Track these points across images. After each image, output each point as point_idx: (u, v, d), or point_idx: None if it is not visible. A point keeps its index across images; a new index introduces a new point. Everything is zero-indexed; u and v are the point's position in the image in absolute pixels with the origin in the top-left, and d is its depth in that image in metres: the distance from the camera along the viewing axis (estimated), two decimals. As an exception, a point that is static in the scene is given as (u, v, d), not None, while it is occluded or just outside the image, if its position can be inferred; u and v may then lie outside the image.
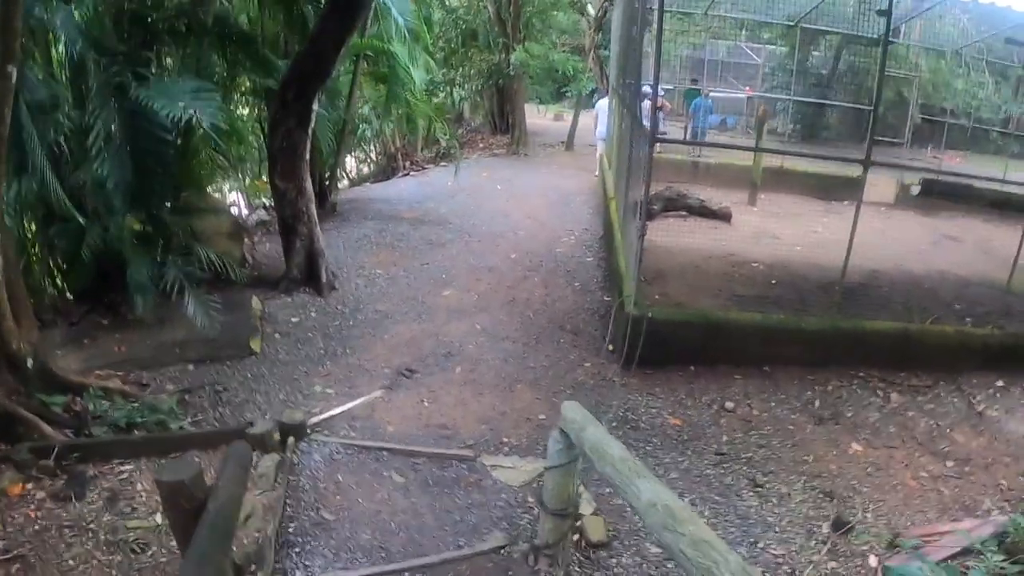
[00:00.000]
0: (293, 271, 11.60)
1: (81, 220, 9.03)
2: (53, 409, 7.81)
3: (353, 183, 22.94)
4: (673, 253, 11.05)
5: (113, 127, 9.05)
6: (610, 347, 9.94)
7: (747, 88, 24.73)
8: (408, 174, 21.77)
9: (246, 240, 13.51)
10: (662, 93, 19.61)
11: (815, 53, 26.67)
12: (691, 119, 21.85)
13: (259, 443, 6.98)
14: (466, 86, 26.51)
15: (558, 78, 27.33)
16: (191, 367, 9.39)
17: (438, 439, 7.84)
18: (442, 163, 22.98)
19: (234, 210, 20.47)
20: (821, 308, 9.80)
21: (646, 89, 12.03)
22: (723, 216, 15.14)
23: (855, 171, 15.91)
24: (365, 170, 24.89)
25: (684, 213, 15.02)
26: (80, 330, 10.07)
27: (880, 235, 10.91)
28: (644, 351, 8.97)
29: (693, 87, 24.07)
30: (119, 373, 9.10)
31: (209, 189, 21.01)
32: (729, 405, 8.70)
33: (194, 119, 8.74)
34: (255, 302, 10.78)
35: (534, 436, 7.99)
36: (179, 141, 10.94)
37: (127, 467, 7.07)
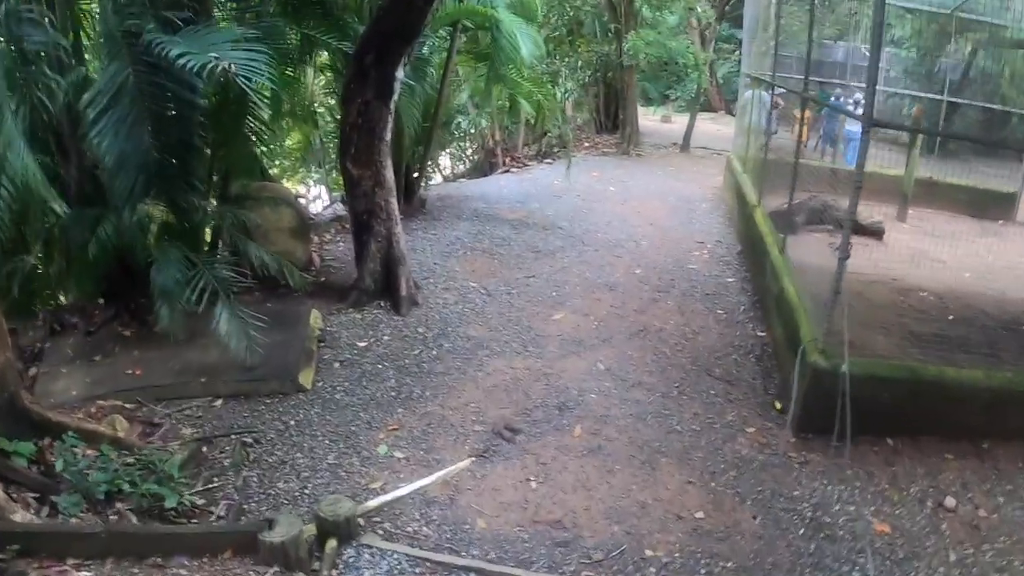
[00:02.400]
0: (366, 280, 9.23)
1: (59, 209, 7.05)
2: (15, 462, 5.57)
3: (447, 181, 20.67)
4: (829, 276, 8.55)
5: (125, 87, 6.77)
6: (778, 405, 7.43)
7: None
8: (508, 171, 19.27)
9: (314, 238, 11.25)
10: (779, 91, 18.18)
11: (942, 59, 23.80)
12: (823, 121, 19.70)
13: (279, 556, 4.58)
14: (570, 81, 24.09)
15: (675, 70, 24.65)
16: (219, 403, 7.18)
17: (551, 547, 5.41)
18: (546, 160, 20.56)
19: (317, 204, 18.53)
20: (1015, 355, 7.49)
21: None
22: (875, 233, 12.83)
23: (1009, 187, 15.09)
24: (461, 168, 22.57)
25: (830, 227, 12.46)
26: (96, 341, 8.07)
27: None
28: (830, 415, 6.38)
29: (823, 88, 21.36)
30: (127, 406, 6.92)
31: (291, 180, 19.32)
32: (949, 502, 6.19)
33: (228, 72, 6.23)
34: (314, 318, 8.48)
35: (691, 548, 5.53)
36: (231, 112, 8.70)
37: (85, 574, 4.72)
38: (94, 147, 6.71)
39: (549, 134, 21.90)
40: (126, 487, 5.51)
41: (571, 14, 22.21)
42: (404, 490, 5.67)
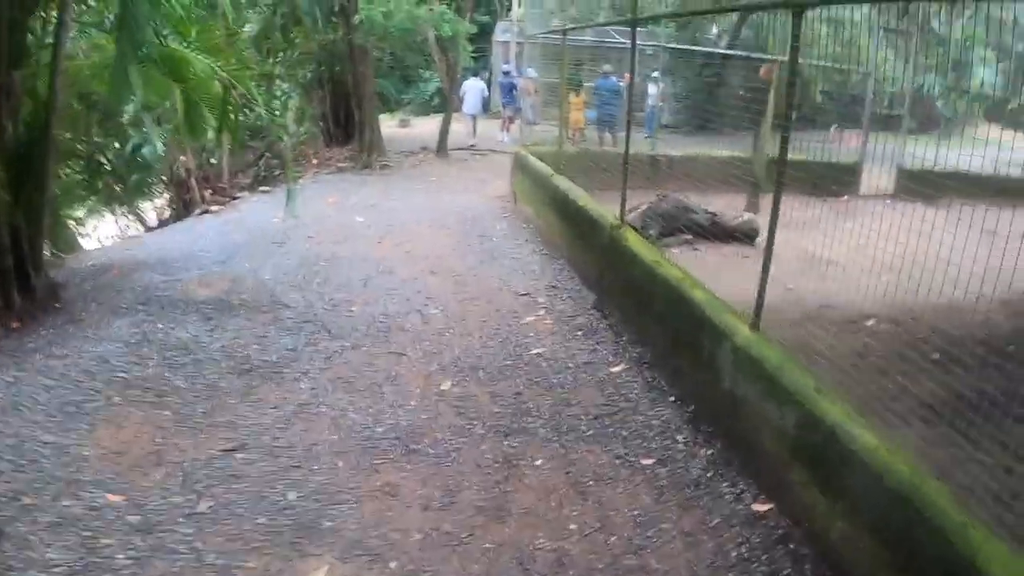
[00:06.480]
0: None
1: None
2: None
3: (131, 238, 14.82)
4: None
5: None
6: None
7: (625, 75, 19.17)
8: (207, 211, 13.50)
9: None
10: (534, 75, 17.59)
11: (696, 34, 22.76)
12: (590, 106, 18.18)
13: None
14: (288, 81, 19.13)
15: (416, 62, 20.70)
16: None
17: None
18: (262, 189, 15.12)
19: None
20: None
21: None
22: (747, 235, 10.30)
23: (849, 158, 14.63)
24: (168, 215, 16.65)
25: (689, 237, 10.01)
26: None
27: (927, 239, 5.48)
28: None
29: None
30: None
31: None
32: None
33: None
34: None
35: None
36: None
37: None
38: None
39: (267, 154, 16.88)
40: None
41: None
42: None
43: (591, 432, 5.14)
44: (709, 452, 4.86)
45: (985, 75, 19.31)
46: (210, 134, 9.17)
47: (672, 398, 5.56)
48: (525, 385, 5.81)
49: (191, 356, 6.32)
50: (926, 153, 11.44)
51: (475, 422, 5.24)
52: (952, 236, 4.77)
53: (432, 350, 6.45)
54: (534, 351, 6.44)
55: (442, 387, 5.76)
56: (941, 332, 5.76)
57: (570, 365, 6.18)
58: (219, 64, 8.12)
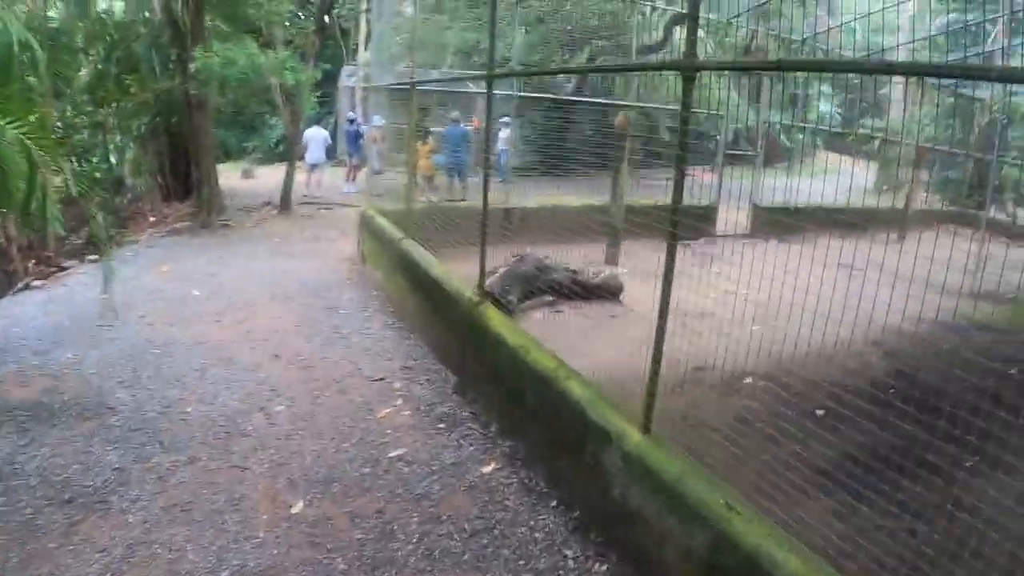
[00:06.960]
0: None
1: None
2: None
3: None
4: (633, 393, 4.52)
5: None
6: None
7: (474, 119, 19.77)
8: (29, 284, 12.05)
9: None
10: (381, 123, 17.09)
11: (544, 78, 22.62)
12: (439, 151, 17.82)
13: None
14: (122, 132, 17.89)
15: (260, 108, 19.78)
16: None
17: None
18: (92, 258, 13.78)
19: None
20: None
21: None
22: (612, 292, 9.77)
23: (702, 200, 14.16)
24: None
25: (550, 299, 9.44)
26: None
27: (796, 277, 5.06)
28: None
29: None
30: None
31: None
32: None
33: None
34: None
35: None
36: None
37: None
38: None
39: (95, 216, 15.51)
40: None
41: (115, 38, 16.37)
42: None
43: (468, 555, 4.53)
44: (604, 568, 4.35)
45: (823, 108, 19.91)
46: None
47: (554, 502, 5.01)
48: (387, 499, 5.15)
49: (3, 483, 5.37)
50: (776, 186, 11.20)
51: (334, 555, 4.53)
52: (811, 275, 4.63)
53: (279, 460, 5.69)
54: (394, 453, 5.78)
55: (293, 509, 5.02)
56: (820, 384, 5.59)
57: (435, 468, 5.55)
58: (23, 131, 7.09)
